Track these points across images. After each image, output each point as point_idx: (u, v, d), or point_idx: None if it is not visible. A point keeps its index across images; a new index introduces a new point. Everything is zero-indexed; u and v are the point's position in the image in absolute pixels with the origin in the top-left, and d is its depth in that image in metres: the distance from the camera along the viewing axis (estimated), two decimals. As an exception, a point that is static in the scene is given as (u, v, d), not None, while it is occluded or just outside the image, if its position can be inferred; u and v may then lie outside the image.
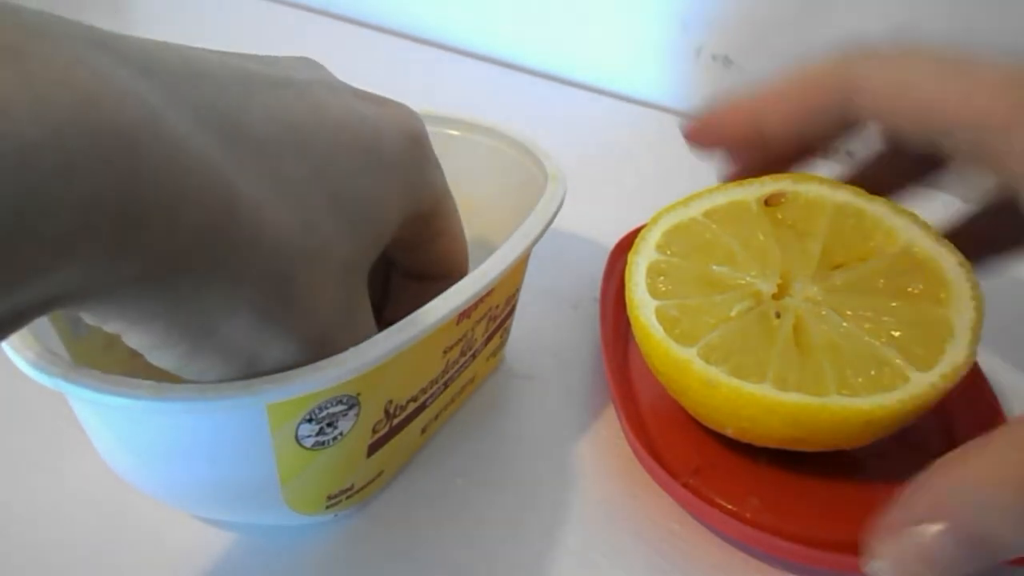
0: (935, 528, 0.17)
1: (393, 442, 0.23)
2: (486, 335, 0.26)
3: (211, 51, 0.18)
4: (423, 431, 0.25)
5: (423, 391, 0.23)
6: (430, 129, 0.22)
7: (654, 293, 0.25)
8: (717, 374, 0.23)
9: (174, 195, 0.14)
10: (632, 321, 0.25)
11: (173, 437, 0.19)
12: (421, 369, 0.22)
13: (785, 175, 0.26)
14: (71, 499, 0.24)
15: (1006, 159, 0.20)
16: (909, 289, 0.23)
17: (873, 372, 0.22)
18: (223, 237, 0.15)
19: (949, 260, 0.23)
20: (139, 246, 0.14)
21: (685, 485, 0.24)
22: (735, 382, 0.22)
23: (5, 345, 0.18)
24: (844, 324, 0.23)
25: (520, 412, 0.28)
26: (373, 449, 0.22)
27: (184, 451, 0.20)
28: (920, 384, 0.22)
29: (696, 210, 0.26)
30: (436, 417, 0.26)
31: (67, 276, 0.13)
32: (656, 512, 0.25)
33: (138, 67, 0.15)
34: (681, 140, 0.26)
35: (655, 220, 0.27)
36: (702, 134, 0.26)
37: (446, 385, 0.25)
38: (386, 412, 0.22)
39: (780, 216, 0.25)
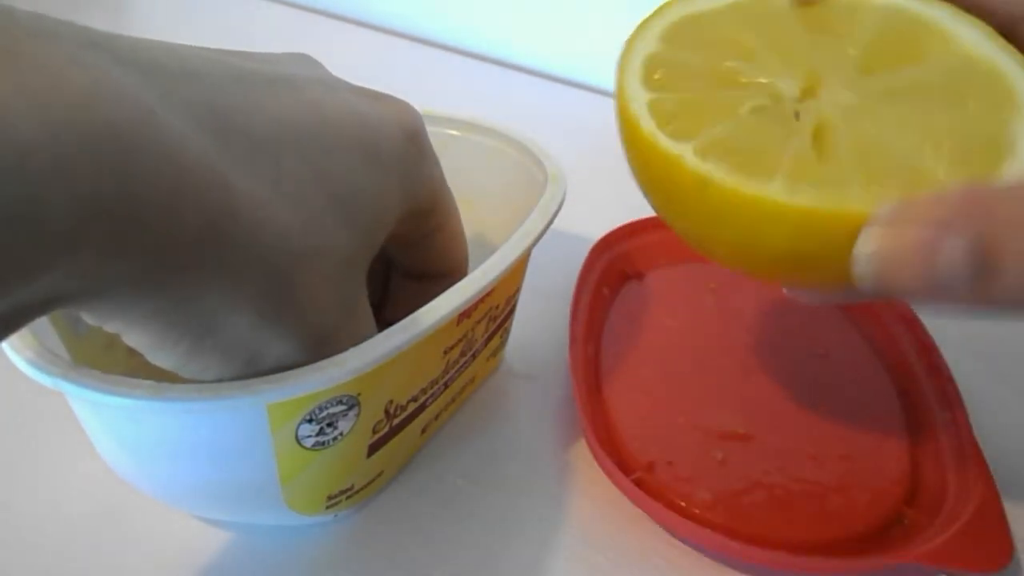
0: (951, 229, 0.15)
1: (393, 442, 0.23)
2: (486, 335, 0.26)
3: (207, 49, 0.18)
4: (423, 431, 0.25)
5: (423, 391, 0.23)
6: (430, 129, 0.22)
7: (649, 85, 0.21)
8: (712, 171, 0.19)
9: (172, 194, 0.14)
10: (618, 115, 0.22)
11: (173, 437, 0.19)
12: (421, 369, 0.22)
13: None
14: (71, 499, 0.24)
15: None
16: (965, 100, 0.19)
17: (908, 182, 0.18)
18: (222, 236, 0.15)
19: (1018, 72, 0.19)
20: (138, 246, 0.14)
21: (636, 480, 0.24)
22: (733, 180, 0.19)
23: (5, 345, 0.18)
24: (878, 130, 0.19)
25: (520, 412, 0.28)
26: (373, 449, 0.22)
27: (184, 451, 0.20)
28: None
29: (715, 3, 0.22)
30: (436, 417, 0.26)
31: (67, 276, 0.13)
32: (656, 512, 0.25)
33: (133, 67, 0.15)
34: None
35: (660, 11, 0.23)
36: None
37: (446, 385, 0.25)
38: (386, 412, 0.22)
39: (816, 18, 0.22)
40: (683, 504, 0.24)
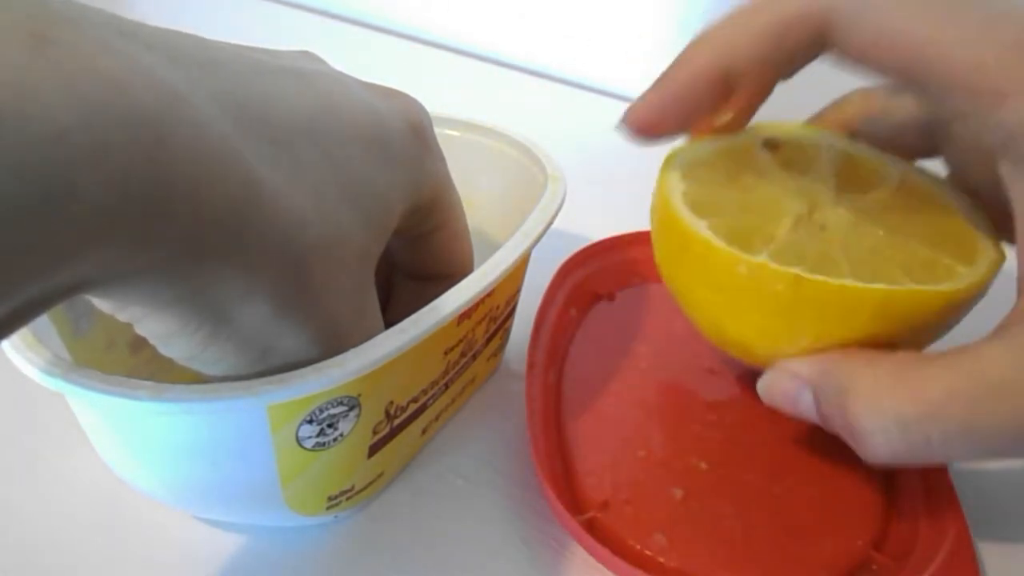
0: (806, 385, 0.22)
1: (394, 443, 0.23)
2: (487, 336, 0.26)
3: (221, 42, 0.18)
4: (423, 432, 0.25)
5: (424, 392, 0.23)
6: (430, 130, 0.22)
7: (694, 208, 0.24)
8: (793, 273, 0.21)
9: (198, 180, 0.14)
10: (658, 210, 0.24)
11: (173, 437, 0.19)
12: (422, 370, 0.22)
13: (761, 124, 0.26)
14: (71, 499, 0.24)
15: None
16: (921, 211, 0.24)
17: (924, 267, 0.21)
18: (244, 223, 0.15)
19: (941, 188, 0.25)
20: (164, 231, 0.14)
21: (589, 520, 0.23)
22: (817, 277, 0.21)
23: (6, 345, 0.18)
24: (875, 238, 0.23)
25: (520, 412, 0.28)
26: (374, 450, 0.22)
27: (184, 451, 0.20)
28: (966, 275, 0.21)
29: (709, 150, 0.25)
30: (437, 418, 0.26)
31: (95, 261, 0.13)
32: (656, 513, 0.25)
33: (161, 54, 0.15)
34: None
35: (669, 162, 0.25)
36: (657, 108, 0.24)
37: (447, 386, 0.25)
38: (387, 413, 0.22)
39: (783, 159, 0.25)
40: (637, 547, 0.22)
